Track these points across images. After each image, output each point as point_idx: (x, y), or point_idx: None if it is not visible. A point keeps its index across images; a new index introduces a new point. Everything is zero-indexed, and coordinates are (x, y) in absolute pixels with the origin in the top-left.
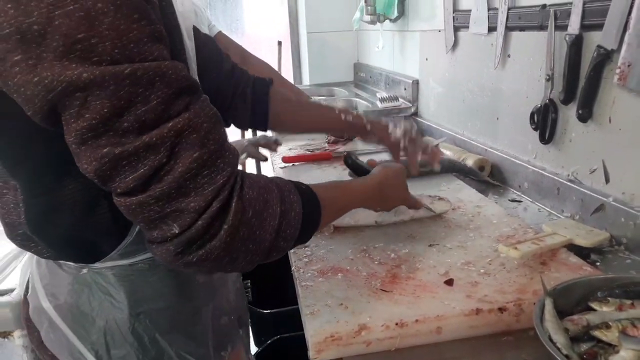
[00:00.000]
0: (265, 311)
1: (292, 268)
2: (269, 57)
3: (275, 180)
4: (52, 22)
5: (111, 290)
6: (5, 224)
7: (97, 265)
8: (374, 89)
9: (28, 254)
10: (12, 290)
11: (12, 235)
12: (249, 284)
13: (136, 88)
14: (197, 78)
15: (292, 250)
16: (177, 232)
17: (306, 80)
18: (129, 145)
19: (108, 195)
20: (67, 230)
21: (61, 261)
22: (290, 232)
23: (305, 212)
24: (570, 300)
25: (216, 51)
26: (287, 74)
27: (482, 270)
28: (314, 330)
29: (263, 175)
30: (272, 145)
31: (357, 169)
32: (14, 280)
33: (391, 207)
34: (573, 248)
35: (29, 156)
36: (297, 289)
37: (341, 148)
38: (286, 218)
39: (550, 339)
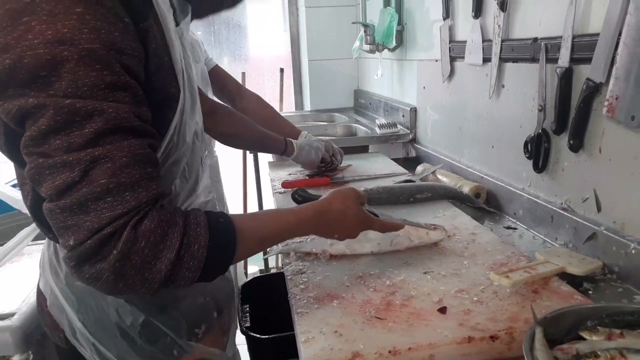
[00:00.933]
0: (263, 337)
1: (289, 295)
2: (271, 83)
3: (188, 214)
4: (22, 60)
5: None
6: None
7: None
8: (374, 115)
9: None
10: (12, 315)
11: (34, 218)
12: (247, 309)
13: (73, 117)
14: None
15: (288, 277)
16: (72, 244)
17: (307, 106)
18: (53, 160)
19: None
20: None
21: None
22: (193, 264)
23: (212, 245)
24: (560, 329)
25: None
26: (289, 100)
27: (475, 298)
28: (308, 357)
29: (179, 209)
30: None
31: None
32: (15, 303)
33: (348, 234)
34: (566, 276)
35: None
36: (293, 316)
37: (339, 174)
38: (188, 251)
39: None
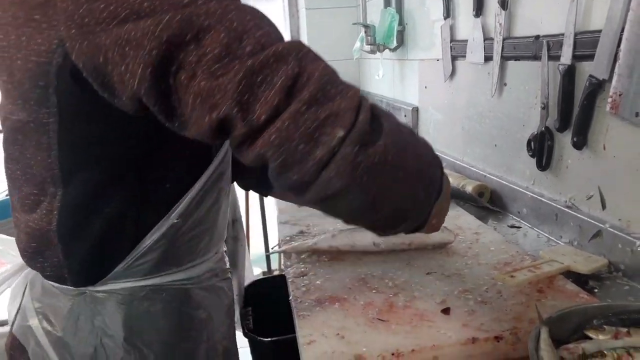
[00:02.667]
0: (265, 339)
1: (290, 297)
2: None
3: None
4: None
5: (107, 316)
6: (23, 234)
7: (98, 287)
8: None
9: (19, 279)
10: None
11: (25, 247)
12: (250, 312)
13: (244, 15)
14: None
15: (290, 279)
16: (343, 134)
17: None
18: (259, 57)
19: (139, 210)
20: (91, 240)
21: (57, 284)
22: (440, 167)
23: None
24: (566, 329)
25: None
26: None
27: (479, 299)
28: None
29: None
30: None
31: None
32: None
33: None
34: (571, 275)
35: (90, 163)
36: (294, 318)
37: None
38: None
39: None
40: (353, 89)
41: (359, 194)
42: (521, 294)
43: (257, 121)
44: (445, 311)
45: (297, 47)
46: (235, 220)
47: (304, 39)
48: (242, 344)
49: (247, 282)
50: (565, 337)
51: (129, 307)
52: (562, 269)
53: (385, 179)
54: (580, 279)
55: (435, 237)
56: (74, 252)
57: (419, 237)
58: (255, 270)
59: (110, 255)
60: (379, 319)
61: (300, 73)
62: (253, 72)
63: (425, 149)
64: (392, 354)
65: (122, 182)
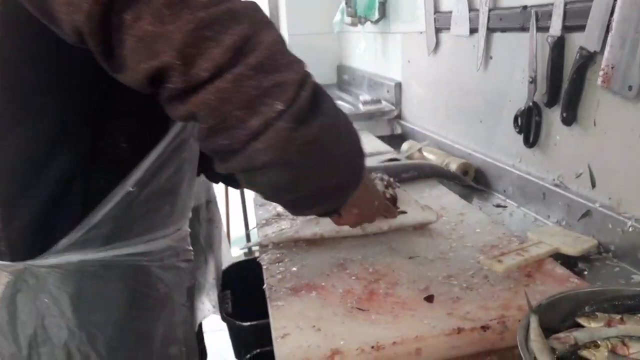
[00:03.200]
0: (245, 324)
1: (265, 286)
2: None
3: None
4: None
5: (50, 295)
6: None
7: (41, 261)
8: (357, 92)
9: None
10: None
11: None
12: (229, 295)
13: None
14: None
15: (265, 266)
16: (282, 108)
17: None
18: (212, 10)
19: (89, 173)
20: (34, 206)
21: None
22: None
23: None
24: (556, 316)
25: None
26: None
27: (464, 285)
28: (283, 356)
29: None
30: None
31: None
32: None
33: (375, 211)
34: (560, 256)
35: (34, 115)
36: (269, 309)
37: None
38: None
39: None
40: (300, 63)
41: (283, 171)
42: (509, 279)
43: (197, 77)
44: (429, 299)
45: (253, 9)
46: (210, 202)
47: (283, 11)
48: (221, 327)
49: (226, 264)
50: (555, 324)
51: (77, 284)
52: (551, 252)
53: (312, 160)
54: (569, 261)
55: (417, 216)
56: (13, 219)
57: (401, 219)
58: (235, 252)
59: (56, 224)
60: (359, 308)
61: (251, 36)
62: (204, 26)
63: (355, 137)
64: (372, 347)
65: (71, 140)
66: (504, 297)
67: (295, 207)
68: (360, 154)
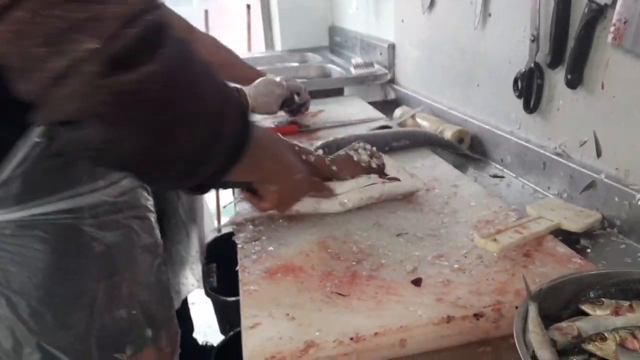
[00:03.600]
0: (230, 299)
1: (237, 267)
2: (237, 23)
3: None
4: None
5: None
6: None
7: None
8: (350, 54)
9: None
10: None
11: None
12: (214, 269)
13: None
14: None
15: (239, 245)
16: (94, 46)
17: (278, 46)
18: None
19: None
20: None
21: None
22: (233, 121)
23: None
24: (557, 302)
25: None
26: (258, 40)
27: (455, 266)
28: (251, 349)
29: None
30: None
31: None
32: None
33: (300, 187)
34: (560, 232)
35: None
36: (240, 294)
37: (308, 121)
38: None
39: (534, 356)
40: None
41: (97, 127)
42: (505, 259)
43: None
44: (416, 282)
45: None
46: None
47: None
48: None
49: (211, 237)
50: (556, 311)
51: None
52: (551, 228)
53: (139, 115)
54: (570, 237)
55: (406, 184)
56: None
57: (391, 187)
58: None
59: None
60: (338, 293)
61: None
62: None
63: (220, 96)
64: (351, 339)
65: None
66: (499, 280)
67: (144, 176)
68: (228, 115)
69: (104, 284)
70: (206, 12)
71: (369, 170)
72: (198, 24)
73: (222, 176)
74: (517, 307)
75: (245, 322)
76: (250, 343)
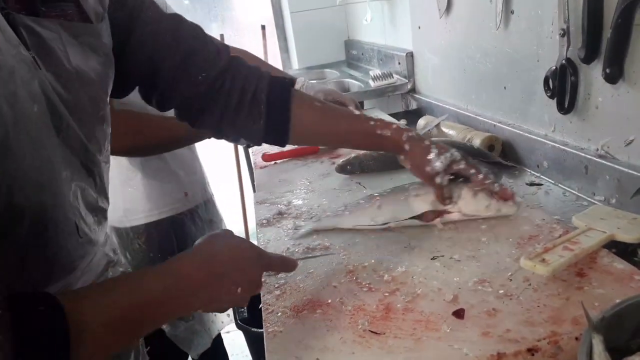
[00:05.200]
0: (261, 330)
1: (260, 305)
2: (253, 44)
3: None
4: None
5: None
6: None
7: None
8: (367, 67)
9: None
10: None
11: None
12: None
13: None
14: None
15: (262, 279)
16: None
17: (295, 65)
18: None
19: None
20: None
21: None
22: None
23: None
24: (623, 330)
25: (201, 44)
26: (275, 59)
27: (500, 291)
28: None
29: None
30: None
31: None
32: None
33: (250, 278)
34: (615, 244)
35: None
36: (264, 338)
37: None
38: None
39: None
40: None
41: None
42: (556, 280)
43: None
44: (458, 313)
45: None
46: (208, 201)
47: None
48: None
49: None
50: (623, 341)
51: None
52: (604, 240)
53: None
54: (626, 249)
55: (501, 209)
56: None
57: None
58: None
59: None
60: (372, 332)
61: None
62: None
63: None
64: None
65: None
66: (552, 307)
67: None
68: None
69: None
70: (222, 36)
71: (430, 178)
72: None
73: None
74: (577, 339)
75: None
76: None
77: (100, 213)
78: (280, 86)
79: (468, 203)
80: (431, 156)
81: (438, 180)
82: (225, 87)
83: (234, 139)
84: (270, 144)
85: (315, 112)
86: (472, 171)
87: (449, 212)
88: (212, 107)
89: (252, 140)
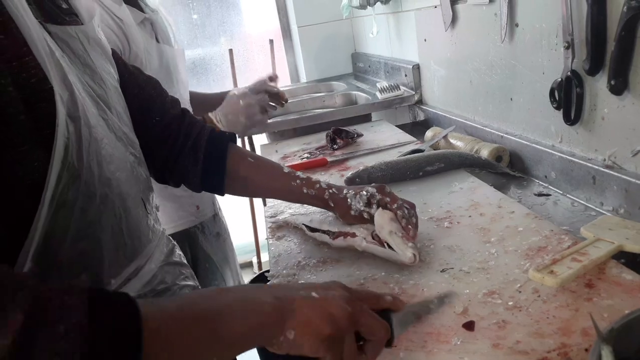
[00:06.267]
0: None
1: None
2: (261, 58)
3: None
4: None
5: None
6: None
7: None
8: (374, 79)
9: None
10: None
11: None
12: None
13: None
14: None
15: None
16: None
17: (303, 78)
18: None
19: None
20: None
21: None
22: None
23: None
24: (632, 342)
25: (158, 93)
26: (283, 73)
27: (510, 303)
28: None
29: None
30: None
31: None
32: None
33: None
34: (623, 255)
35: None
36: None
37: (337, 152)
38: None
39: None
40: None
41: None
42: (565, 292)
43: None
44: (469, 326)
45: None
46: (216, 215)
47: (290, 3)
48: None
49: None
50: (633, 353)
51: None
52: (613, 251)
53: None
54: (635, 260)
55: (382, 251)
56: None
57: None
58: (265, 257)
59: None
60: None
61: None
62: None
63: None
64: None
65: None
66: (561, 318)
67: None
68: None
69: None
70: (230, 51)
71: (360, 219)
72: (224, 63)
73: None
74: (586, 350)
75: None
76: None
77: (153, 201)
78: (219, 139)
79: (377, 221)
80: (349, 201)
81: (365, 216)
82: (173, 133)
83: (175, 183)
84: (208, 191)
85: (250, 167)
86: (388, 199)
87: (353, 235)
88: (159, 151)
89: (191, 184)
